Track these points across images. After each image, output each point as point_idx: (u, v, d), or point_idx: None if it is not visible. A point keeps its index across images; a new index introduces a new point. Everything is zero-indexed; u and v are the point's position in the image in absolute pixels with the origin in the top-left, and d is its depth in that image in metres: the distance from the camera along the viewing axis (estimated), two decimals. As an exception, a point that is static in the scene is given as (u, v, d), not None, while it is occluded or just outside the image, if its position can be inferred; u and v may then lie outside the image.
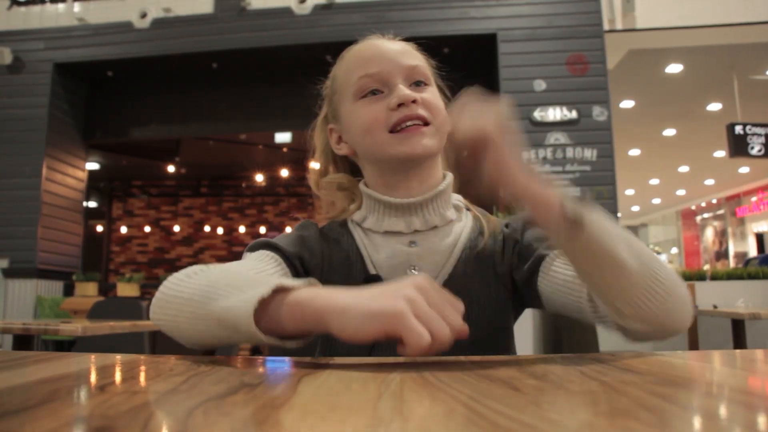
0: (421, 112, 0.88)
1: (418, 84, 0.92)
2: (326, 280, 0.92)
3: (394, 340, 0.55)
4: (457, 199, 0.99)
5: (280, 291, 0.62)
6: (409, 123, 0.87)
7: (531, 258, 0.87)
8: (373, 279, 0.89)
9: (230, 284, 0.65)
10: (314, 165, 1.05)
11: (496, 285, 0.91)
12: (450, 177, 0.97)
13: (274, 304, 0.62)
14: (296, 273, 0.90)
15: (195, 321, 0.65)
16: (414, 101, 0.88)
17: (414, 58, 0.93)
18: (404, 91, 0.88)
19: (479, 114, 0.71)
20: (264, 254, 0.87)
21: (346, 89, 0.94)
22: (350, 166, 1.03)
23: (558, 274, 0.82)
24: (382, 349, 0.75)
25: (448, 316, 0.57)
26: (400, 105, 0.87)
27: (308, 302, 0.60)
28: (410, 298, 0.56)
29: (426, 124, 0.89)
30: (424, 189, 0.92)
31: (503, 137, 0.69)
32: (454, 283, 0.88)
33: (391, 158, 0.90)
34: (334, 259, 0.94)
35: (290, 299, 0.61)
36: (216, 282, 0.66)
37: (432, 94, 0.92)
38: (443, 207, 0.94)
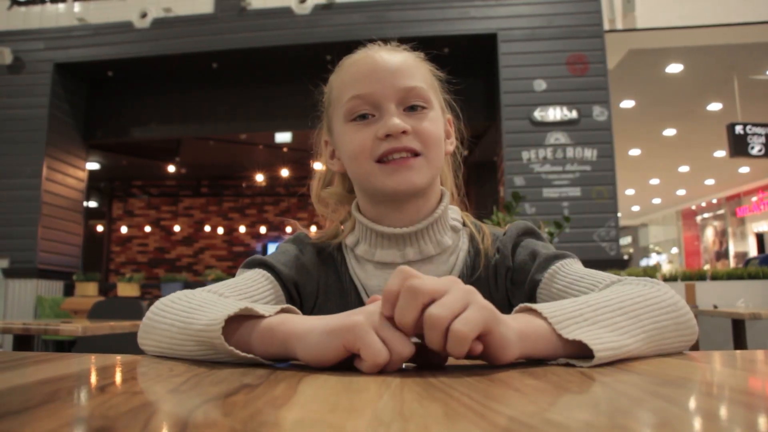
0: (410, 144, 0.83)
1: (414, 108, 0.85)
2: (320, 307, 0.91)
3: (354, 355, 0.53)
4: (453, 218, 0.94)
5: (251, 316, 0.62)
6: (396, 155, 0.83)
7: (526, 282, 0.85)
8: None
9: (208, 308, 0.64)
10: (319, 167, 1.02)
11: None
12: (446, 198, 0.92)
13: (244, 328, 0.61)
14: (290, 296, 0.88)
15: (176, 347, 0.65)
16: (404, 132, 0.82)
17: (412, 77, 0.85)
18: (393, 121, 0.82)
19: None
20: (259, 273, 0.86)
21: (338, 106, 0.88)
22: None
23: (560, 294, 0.80)
24: None
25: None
26: (388, 135, 0.82)
27: (276, 327, 0.59)
28: (371, 313, 0.53)
29: (417, 154, 0.83)
30: (419, 217, 0.88)
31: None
32: None
33: (376, 190, 0.86)
34: (330, 288, 0.92)
35: (261, 325, 0.60)
36: (196, 307, 0.66)
37: (429, 120, 0.85)
38: (440, 233, 0.90)
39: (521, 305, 0.62)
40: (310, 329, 0.56)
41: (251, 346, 0.60)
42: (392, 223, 0.89)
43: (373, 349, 0.51)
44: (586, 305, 0.61)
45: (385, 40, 0.93)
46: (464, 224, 0.96)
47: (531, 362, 0.59)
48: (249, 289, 0.82)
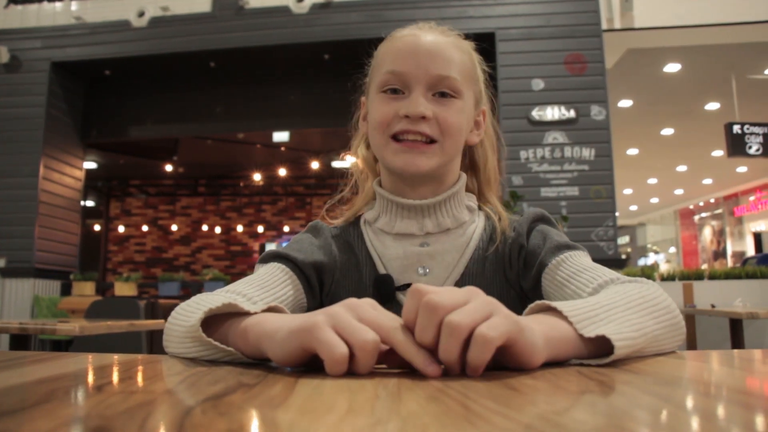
0: (426, 130, 0.85)
1: (443, 95, 0.87)
2: (337, 283, 0.93)
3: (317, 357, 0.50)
4: (469, 200, 0.97)
5: (237, 314, 0.63)
6: (410, 137, 0.85)
7: (535, 265, 0.86)
8: (384, 278, 0.89)
9: (206, 307, 0.65)
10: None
11: (507, 288, 0.90)
12: (463, 178, 0.95)
13: (225, 327, 0.63)
14: (308, 283, 0.89)
15: (182, 347, 0.66)
16: (424, 117, 0.84)
17: (448, 66, 0.86)
18: (416, 105, 0.84)
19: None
20: (274, 267, 0.87)
21: (376, 74, 0.92)
22: None
23: (563, 282, 0.81)
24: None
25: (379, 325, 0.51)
26: (408, 116, 0.85)
27: (251, 328, 0.59)
28: (332, 313, 0.51)
29: (433, 141, 0.86)
30: (436, 193, 0.91)
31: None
32: (465, 284, 0.84)
33: (386, 165, 0.89)
34: (344, 264, 0.94)
35: (240, 325, 0.61)
36: (200, 307, 0.67)
37: (454, 109, 0.87)
38: (456, 208, 0.93)
39: (537, 303, 0.62)
40: (277, 329, 0.55)
41: (229, 345, 0.61)
42: (410, 198, 0.91)
43: (328, 344, 0.48)
44: (598, 305, 0.61)
45: (437, 23, 0.95)
46: (480, 208, 0.98)
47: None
48: (266, 284, 0.83)
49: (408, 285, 0.88)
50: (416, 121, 0.85)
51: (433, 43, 0.88)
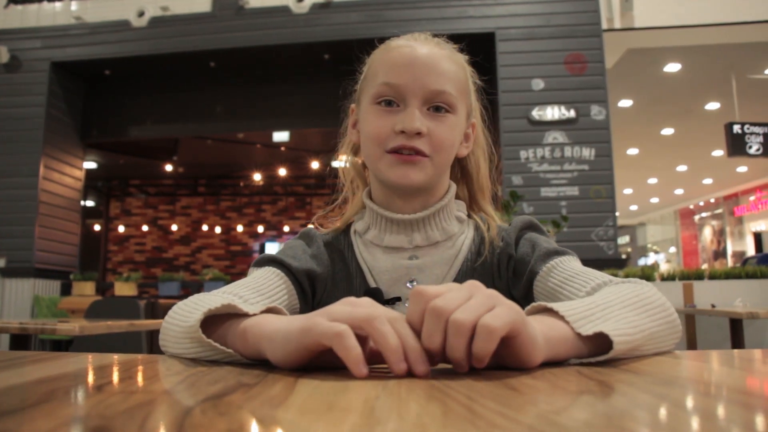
0: (421, 146, 0.85)
1: (438, 109, 0.87)
2: (329, 293, 0.94)
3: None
4: (459, 209, 0.97)
5: (235, 315, 0.63)
6: (404, 151, 0.86)
7: (525, 274, 0.87)
8: (374, 292, 0.90)
9: (203, 308, 0.65)
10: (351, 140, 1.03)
11: None
12: (453, 189, 0.95)
13: (224, 328, 0.63)
14: (302, 290, 0.90)
15: (179, 346, 0.67)
16: (418, 133, 0.85)
17: (444, 80, 0.87)
18: (412, 120, 0.84)
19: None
20: (269, 271, 0.88)
21: (370, 84, 0.91)
22: None
23: (555, 288, 0.81)
24: None
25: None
26: (403, 131, 0.85)
27: (250, 329, 0.59)
28: (330, 310, 0.52)
29: (424, 155, 0.86)
30: (425, 207, 0.92)
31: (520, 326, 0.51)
32: None
33: (379, 177, 0.90)
34: (337, 274, 0.94)
35: (239, 326, 0.61)
36: (197, 307, 0.67)
37: (447, 125, 0.87)
38: (446, 221, 0.93)
39: (534, 305, 0.63)
40: (276, 331, 0.56)
41: (227, 346, 0.61)
42: (400, 210, 0.92)
43: (329, 327, 0.49)
44: (593, 305, 0.62)
45: (433, 35, 0.95)
46: (469, 216, 0.99)
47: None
48: (262, 287, 0.84)
49: (398, 298, 0.89)
50: (411, 137, 0.85)
51: (429, 56, 0.88)
